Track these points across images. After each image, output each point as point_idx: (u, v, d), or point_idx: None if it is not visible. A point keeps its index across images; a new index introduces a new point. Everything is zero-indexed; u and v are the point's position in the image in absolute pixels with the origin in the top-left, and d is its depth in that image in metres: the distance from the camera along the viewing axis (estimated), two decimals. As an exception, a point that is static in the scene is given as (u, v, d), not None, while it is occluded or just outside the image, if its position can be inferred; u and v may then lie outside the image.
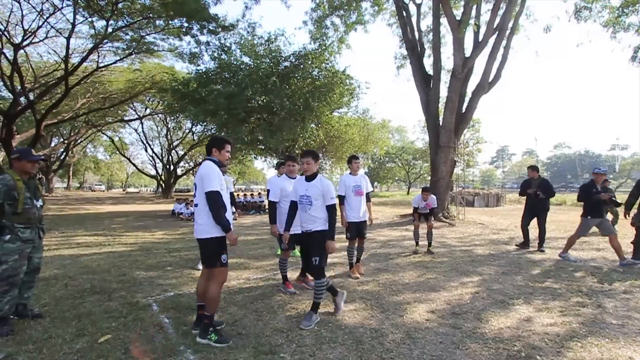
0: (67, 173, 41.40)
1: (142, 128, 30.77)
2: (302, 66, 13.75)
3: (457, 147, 11.93)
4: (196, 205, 2.71)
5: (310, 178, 3.24)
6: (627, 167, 48.97)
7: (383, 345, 2.65)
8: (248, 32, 14.69)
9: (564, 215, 15.11)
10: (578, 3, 11.64)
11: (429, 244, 6.32)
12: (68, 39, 13.08)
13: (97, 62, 15.82)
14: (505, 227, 10.11)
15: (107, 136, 33.05)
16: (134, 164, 37.16)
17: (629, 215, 5.33)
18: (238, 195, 18.00)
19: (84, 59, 14.39)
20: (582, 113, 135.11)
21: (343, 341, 2.71)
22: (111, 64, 16.28)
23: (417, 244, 6.48)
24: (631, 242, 5.47)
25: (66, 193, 33.87)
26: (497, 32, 10.95)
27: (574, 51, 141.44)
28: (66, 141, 27.95)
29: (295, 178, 3.96)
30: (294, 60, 13.86)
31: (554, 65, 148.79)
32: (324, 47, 14.18)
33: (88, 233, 8.93)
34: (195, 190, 2.72)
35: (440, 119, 11.73)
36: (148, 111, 27.40)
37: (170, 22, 14.02)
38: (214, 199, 2.59)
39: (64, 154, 30.95)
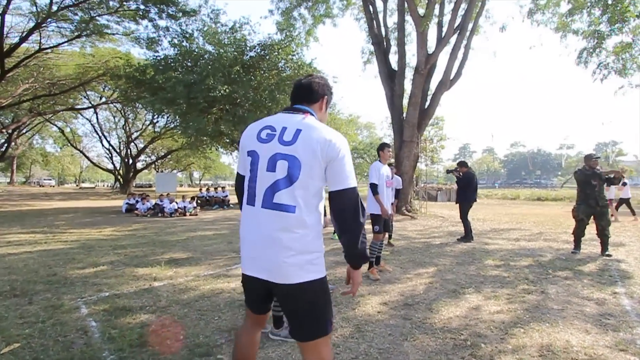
0: (10, 166, 37.59)
1: (97, 118, 28.64)
2: (267, 57, 13.37)
3: (420, 142, 12.19)
4: (285, 207, 1.24)
5: None
6: (572, 165, 53.33)
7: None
8: (211, 19, 14.07)
9: (517, 208, 16.08)
10: (532, 8, 12.33)
11: (390, 237, 6.33)
12: (2, 15, 11.74)
13: (40, 43, 14.35)
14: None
15: (57, 127, 30.35)
16: (88, 157, 34.49)
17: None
18: (201, 190, 17.29)
19: (23, 39, 13.03)
20: (536, 112, 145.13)
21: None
22: (56, 46, 14.85)
23: (377, 236, 6.46)
24: (571, 233, 5.80)
25: (9, 188, 30.73)
26: (458, 31, 11.28)
27: (530, 53, 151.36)
28: (4, 130, 25.18)
29: None
30: (259, 50, 13.44)
31: (512, 66, 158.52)
32: (290, 39, 13.88)
33: (24, 230, 8.06)
34: (296, 174, 1.23)
35: (404, 114, 11.91)
36: (103, 100, 25.48)
37: (125, 3, 13.02)
38: (354, 202, 1.26)
39: (5, 145, 27.96)
